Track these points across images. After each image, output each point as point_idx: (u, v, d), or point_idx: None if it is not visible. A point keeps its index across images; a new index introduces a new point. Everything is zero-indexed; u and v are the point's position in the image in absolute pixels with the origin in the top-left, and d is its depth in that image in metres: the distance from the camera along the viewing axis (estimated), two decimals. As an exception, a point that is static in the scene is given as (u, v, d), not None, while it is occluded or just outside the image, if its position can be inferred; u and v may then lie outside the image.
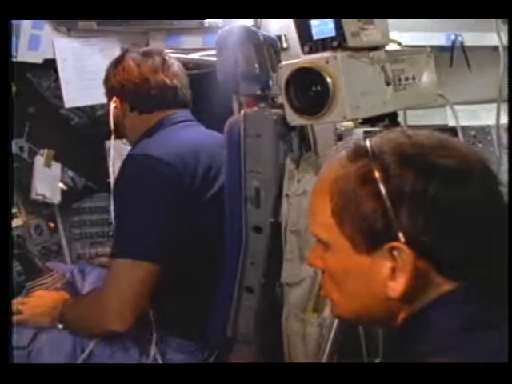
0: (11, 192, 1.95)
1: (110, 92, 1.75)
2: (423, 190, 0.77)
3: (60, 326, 1.61)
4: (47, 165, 2.08)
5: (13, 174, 1.90)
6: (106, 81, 1.76)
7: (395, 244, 0.78)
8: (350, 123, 2.01)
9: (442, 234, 0.78)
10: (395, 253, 0.79)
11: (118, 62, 1.73)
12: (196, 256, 1.57)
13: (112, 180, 2.20)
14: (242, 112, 1.48)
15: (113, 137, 1.75)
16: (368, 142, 0.84)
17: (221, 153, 1.56)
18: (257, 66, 1.47)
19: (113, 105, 1.73)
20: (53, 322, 1.62)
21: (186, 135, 1.67)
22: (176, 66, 1.73)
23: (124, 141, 1.94)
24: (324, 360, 1.52)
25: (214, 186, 1.61)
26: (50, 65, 2.06)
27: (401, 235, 0.77)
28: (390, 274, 0.80)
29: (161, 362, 1.54)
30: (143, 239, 1.49)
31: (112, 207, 1.62)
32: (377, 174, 0.79)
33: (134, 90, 1.69)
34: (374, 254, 0.80)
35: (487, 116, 2.24)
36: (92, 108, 2.24)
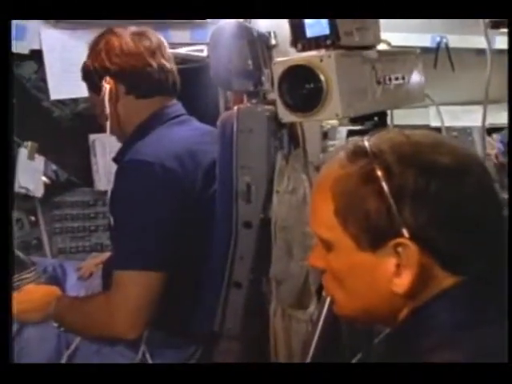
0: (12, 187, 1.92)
1: (101, 72, 1.60)
2: (424, 187, 0.79)
3: (55, 324, 1.57)
4: (31, 157, 2.04)
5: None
6: (94, 61, 1.61)
7: (400, 240, 0.80)
8: (335, 121, 2.03)
9: (445, 228, 0.80)
10: (400, 249, 0.80)
11: (108, 41, 1.61)
12: (191, 256, 1.55)
13: (96, 174, 2.23)
14: (236, 108, 1.48)
15: (108, 123, 1.60)
16: (367, 143, 0.85)
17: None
18: (250, 62, 1.47)
19: (107, 85, 1.58)
20: (46, 318, 1.57)
21: (183, 134, 1.61)
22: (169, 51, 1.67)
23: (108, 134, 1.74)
24: (310, 356, 1.53)
25: (213, 186, 1.57)
26: (32, 55, 2.02)
27: (405, 231, 0.79)
28: (395, 271, 0.81)
29: (148, 357, 1.54)
30: (150, 249, 1.47)
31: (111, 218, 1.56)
32: (379, 173, 0.81)
33: (133, 70, 1.58)
34: (379, 251, 0.82)
35: (467, 117, 2.29)
36: (74, 101, 2.21)
